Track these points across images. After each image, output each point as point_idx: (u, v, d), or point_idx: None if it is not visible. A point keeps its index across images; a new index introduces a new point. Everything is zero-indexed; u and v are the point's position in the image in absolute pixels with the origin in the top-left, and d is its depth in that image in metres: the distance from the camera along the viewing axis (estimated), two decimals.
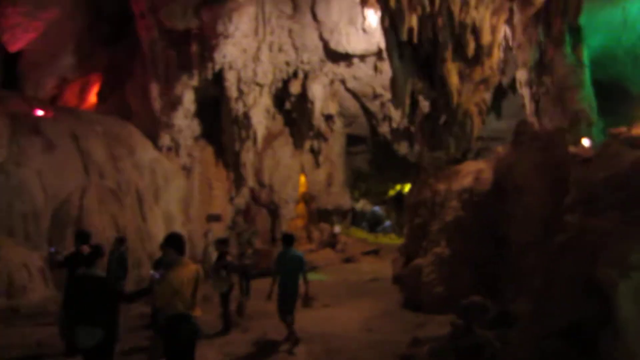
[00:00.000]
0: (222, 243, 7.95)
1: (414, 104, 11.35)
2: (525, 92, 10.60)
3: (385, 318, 7.88)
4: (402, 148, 19.19)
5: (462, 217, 7.70)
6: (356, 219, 27.20)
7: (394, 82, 10.89)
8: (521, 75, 10.73)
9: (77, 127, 12.59)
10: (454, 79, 9.74)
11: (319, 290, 10.54)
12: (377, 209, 33.33)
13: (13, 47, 13.49)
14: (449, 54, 9.84)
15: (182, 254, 4.31)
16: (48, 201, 10.82)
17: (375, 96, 17.37)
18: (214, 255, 13.63)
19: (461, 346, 4.95)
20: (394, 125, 17.75)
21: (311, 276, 13.59)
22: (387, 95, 17.05)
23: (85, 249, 7.45)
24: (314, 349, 6.11)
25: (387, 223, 32.66)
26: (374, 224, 31.88)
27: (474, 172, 8.02)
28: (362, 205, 31.07)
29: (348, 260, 16.27)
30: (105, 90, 16.38)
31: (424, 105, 11.38)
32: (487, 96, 11.07)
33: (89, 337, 4.12)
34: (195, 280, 4.23)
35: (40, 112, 12.48)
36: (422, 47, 10.19)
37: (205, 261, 13.05)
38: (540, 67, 10.13)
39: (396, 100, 11.08)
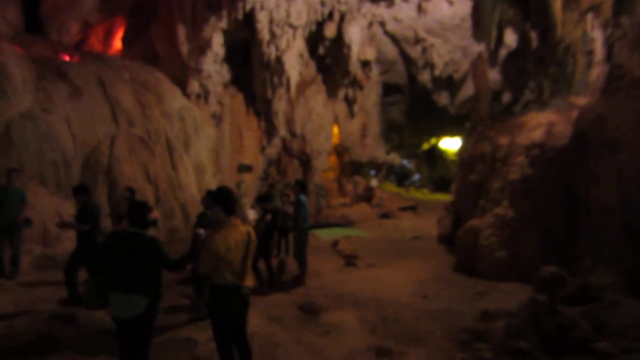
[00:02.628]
0: (264, 200, 7.20)
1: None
2: (597, 34, 9.34)
3: (439, 283, 7.26)
4: (443, 98, 18.03)
5: (530, 175, 6.85)
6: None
7: (478, 9, 9.46)
8: (593, 15, 9.43)
9: (104, 73, 12.04)
10: (557, 4, 8.12)
11: (359, 247, 10.02)
12: (406, 162, 32.68)
13: None
14: None
15: (231, 213, 3.67)
16: (77, 149, 10.42)
17: (417, 41, 16.08)
18: (246, 207, 13.30)
19: (545, 328, 4.28)
20: (437, 72, 16.51)
21: (349, 232, 13.22)
22: (431, 39, 15.81)
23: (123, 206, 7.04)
24: (367, 316, 5.56)
25: (417, 177, 32.06)
26: (402, 178, 31.28)
27: (544, 124, 7.07)
28: (391, 158, 30.28)
29: (385, 215, 15.57)
30: (131, 34, 15.63)
31: (510, 40, 9.77)
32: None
33: (129, 307, 3.53)
34: (246, 244, 3.64)
35: (64, 56, 11.89)
36: None
37: (238, 214, 12.64)
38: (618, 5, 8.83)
39: (479, 32, 9.68)
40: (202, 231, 3.70)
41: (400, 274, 7.81)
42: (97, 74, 11.85)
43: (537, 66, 8.93)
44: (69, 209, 9.67)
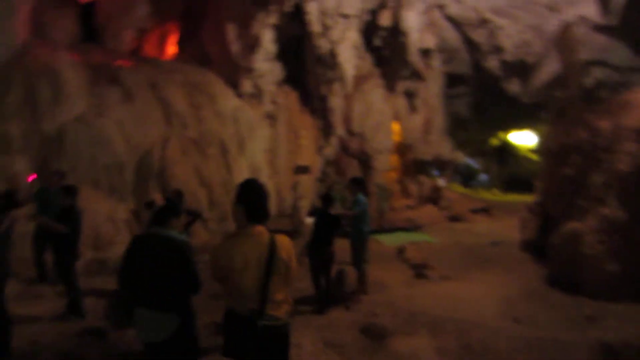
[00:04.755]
0: (326, 200, 6.21)
1: None
2: None
3: (532, 301, 5.98)
4: (514, 86, 16.45)
5: None
6: None
7: None
8: None
9: (156, 76, 11.89)
10: None
11: (429, 255, 8.84)
12: (472, 160, 31.08)
13: None
14: None
15: (258, 220, 2.64)
16: (130, 152, 10.24)
17: (482, 23, 14.72)
18: (303, 210, 12.57)
19: None
20: (506, 57, 15.03)
21: (416, 237, 12.03)
22: (497, 20, 14.43)
23: (158, 198, 6.51)
24: (446, 344, 4.51)
25: (483, 177, 30.31)
26: (467, 178, 29.65)
27: None
28: (455, 156, 28.65)
29: (455, 218, 14.17)
30: (183, 38, 15.60)
31: None
32: None
33: (157, 328, 2.84)
34: (266, 262, 2.55)
35: (119, 62, 11.85)
36: None
37: (295, 217, 11.95)
38: None
39: None
40: None
41: (481, 289, 6.60)
42: (150, 78, 11.72)
43: None
44: (122, 212, 9.43)
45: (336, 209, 6.87)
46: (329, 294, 5.93)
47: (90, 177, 9.42)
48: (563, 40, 9.03)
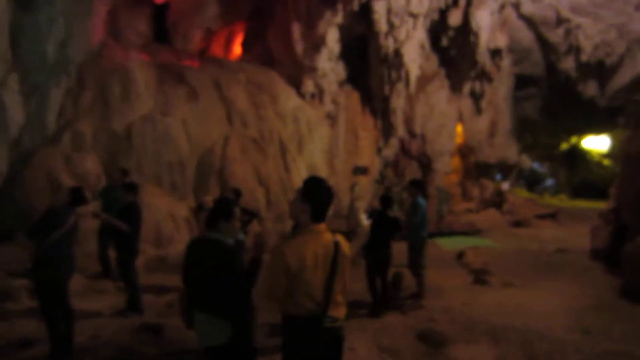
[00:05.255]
0: (385, 201, 6.05)
1: None
2: None
3: (603, 313, 5.56)
4: (590, 89, 15.35)
5: None
6: None
7: None
8: None
9: (221, 76, 12.14)
10: None
11: (490, 261, 8.45)
12: (537, 165, 29.72)
13: None
14: None
15: (320, 218, 2.59)
16: (192, 150, 10.49)
17: (560, 22, 13.81)
18: (360, 211, 12.40)
19: None
20: (583, 58, 14.01)
21: (477, 241, 11.57)
22: (577, 19, 13.50)
23: (209, 201, 6.56)
24: (509, 354, 4.25)
25: (549, 182, 28.95)
26: (532, 182, 28.38)
27: None
28: (520, 160, 27.39)
29: (519, 224, 13.49)
30: (249, 39, 15.82)
31: None
32: None
33: (212, 332, 2.84)
34: (332, 259, 2.54)
35: (186, 62, 12.21)
36: None
37: (351, 218, 11.80)
38: None
39: None
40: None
41: (547, 298, 6.20)
42: (214, 77, 11.97)
43: None
44: (182, 210, 9.71)
45: (394, 212, 6.66)
46: (384, 297, 5.81)
47: (154, 174, 9.75)
48: None
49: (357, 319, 5.23)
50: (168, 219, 9.21)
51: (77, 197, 4.63)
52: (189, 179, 10.24)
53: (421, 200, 6.28)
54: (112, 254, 6.64)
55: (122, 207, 5.61)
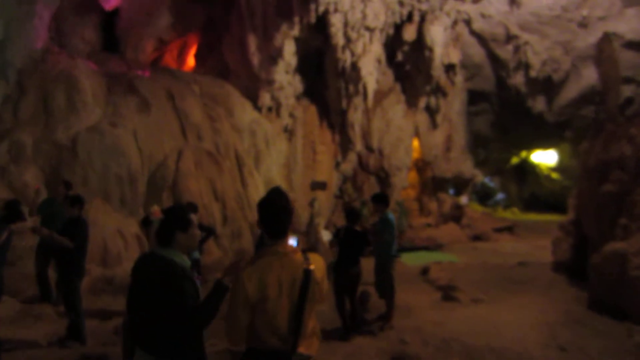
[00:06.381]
0: (351, 215, 5.70)
1: None
2: None
3: (575, 327, 5.48)
4: (539, 104, 15.93)
5: None
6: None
7: None
8: None
9: (174, 87, 11.68)
10: None
11: (455, 276, 8.33)
12: (488, 179, 30.65)
13: (108, 5, 12.74)
14: None
15: (279, 235, 2.24)
16: (144, 163, 9.92)
17: (509, 39, 14.29)
18: (320, 228, 12.15)
19: None
20: (532, 73, 14.54)
21: (439, 256, 11.52)
22: (525, 36, 14.01)
23: (156, 211, 6.06)
24: None
25: (500, 196, 29.86)
26: (483, 197, 29.16)
27: None
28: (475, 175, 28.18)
29: (478, 237, 13.66)
30: (203, 50, 15.46)
31: None
32: None
33: None
34: (301, 286, 2.16)
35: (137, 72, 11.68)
36: None
37: (311, 235, 11.53)
38: None
39: None
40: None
41: (517, 313, 6.10)
42: (167, 88, 11.50)
43: None
44: (132, 226, 9.10)
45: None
46: (354, 319, 5.47)
47: (101, 188, 9.12)
48: (601, 51, 8.58)
49: (325, 342, 4.90)
50: (116, 236, 8.58)
51: (12, 212, 4.17)
52: (140, 193, 9.65)
53: (390, 216, 5.95)
54: (52, 274, 6.02)
55: (67, 221, 4.98)
